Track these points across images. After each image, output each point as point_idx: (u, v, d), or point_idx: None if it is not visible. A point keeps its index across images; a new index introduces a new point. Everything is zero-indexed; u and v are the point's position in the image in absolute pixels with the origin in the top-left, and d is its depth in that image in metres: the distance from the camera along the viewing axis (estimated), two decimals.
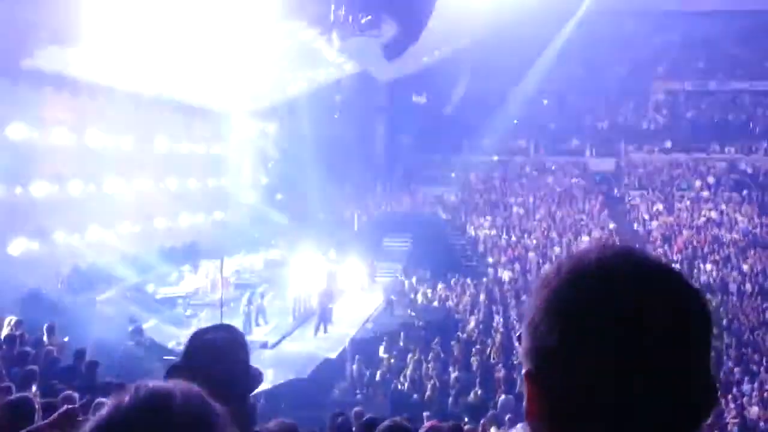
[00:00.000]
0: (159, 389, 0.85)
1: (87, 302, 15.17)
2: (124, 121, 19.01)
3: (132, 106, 19.26)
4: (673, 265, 0.90)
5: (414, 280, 23.66)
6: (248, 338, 12.40)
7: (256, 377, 1.87)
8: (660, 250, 26.32)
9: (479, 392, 14.40)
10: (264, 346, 17.07)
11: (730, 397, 14.34)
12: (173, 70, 17.77)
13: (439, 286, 23.24)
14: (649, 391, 0.76)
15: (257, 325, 18.17)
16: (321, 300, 18.33)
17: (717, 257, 25.50)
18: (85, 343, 10.94)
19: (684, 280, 0.83)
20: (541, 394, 0.80)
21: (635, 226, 28.82)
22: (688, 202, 29.62)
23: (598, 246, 0.85)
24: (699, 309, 0.81)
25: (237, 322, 17.66)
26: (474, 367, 15.90)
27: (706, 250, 26.12)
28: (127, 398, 0.83)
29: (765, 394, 14.50)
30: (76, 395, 5.96)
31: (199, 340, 1.81)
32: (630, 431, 0.77)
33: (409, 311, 20.90)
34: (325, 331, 17.87)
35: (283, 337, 17.94)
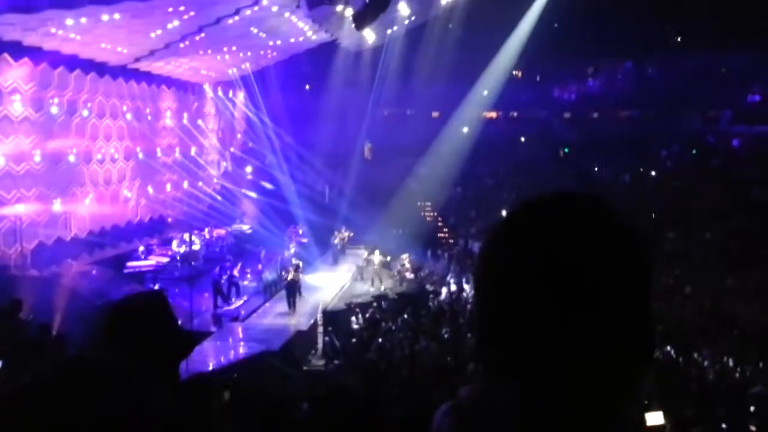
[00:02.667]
0: (72, 361, 0.84)
1: (52, 277, 14.89)
2: (88, 90, 18.49)
3: (96, 75, 18.73)
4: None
5: (386, 251, 23.76)
6: (220, 311, 12.43)
7: (186, 340, 1.87)
8: None
9: (449, 360, 14.65)
10: (236, 318, 17.06)
11: (691, 361, 14.84)
12: (139, 41, 17.30)
13: (411, 257, 23.39)
14: (583, 328, 0.77)
15: (229, 298, 18.11)
16: (290, 274, 18.29)
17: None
18: (52, 319, 10.79)
19: (622, 223, 0.84)
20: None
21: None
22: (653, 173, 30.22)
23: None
24: (634, 255, 0.82)
25: (208, 296, 17.62)
26: (444, 337, 16.11)
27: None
28: (45, 371, 0.82)
29: (725, 358, 15.03)
30: None
31: (118, 309, 1.79)
32: (563, 371, 0.77)
33: (380, 282, 21.04)
34: (294, 306, 17.83)
35: (254, 310, 17.92)
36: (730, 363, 14.69)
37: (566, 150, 33.02)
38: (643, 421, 8.56)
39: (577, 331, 0.77)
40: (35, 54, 15.75)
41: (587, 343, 0.77)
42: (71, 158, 17.89)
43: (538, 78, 37.11)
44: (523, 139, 33.82)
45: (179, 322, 1.90)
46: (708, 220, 26.48)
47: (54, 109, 17.15)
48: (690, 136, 32.49)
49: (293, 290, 18.01)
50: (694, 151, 31.62)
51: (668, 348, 15.41)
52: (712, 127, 33.14)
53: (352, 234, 25.04)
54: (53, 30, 14.53)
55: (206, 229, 22.94)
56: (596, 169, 31.33)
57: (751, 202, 27.83)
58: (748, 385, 13.55)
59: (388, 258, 23.25)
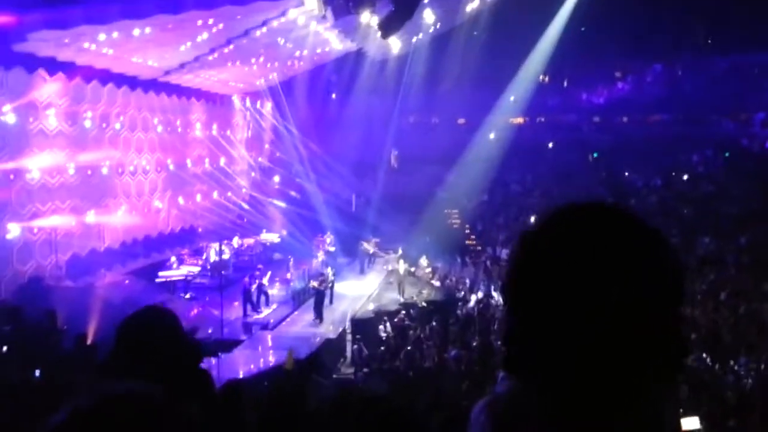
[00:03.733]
0: (111, 396, 0.85)
1: (87, 287, 15.19)
2: (120, 103, 18.90)
3: (128, 89, 19.14)
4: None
5: (413, 259, 23.71)
6: (250, 320, 12.55)
7: (194, 350, 1.90)
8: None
9: (478, 368, 14.53)
10: (265, 327, 17.18)
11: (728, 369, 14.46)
12: (169, 54, 17.64)
13: (439, 264, 23.31)
14: (613, 334, 0.78)
15: (258, 306, 18.26)
16: (319, 282, 18.35)
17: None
18: (86, 329, 11.00)
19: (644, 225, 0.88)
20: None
21: (632, 201, 28.81)
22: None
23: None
24: (669, 263, 0.85)
25: (238, 305, 17.80)
26: (473, 345, 15.99)
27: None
28: (82, 405, 0.84)
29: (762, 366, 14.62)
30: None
31: (126, 327, 1.83)
32: (594, 377, 0.79)
33: (409, 290, 20.98)
34: (320, 316, 17.81)
35: (283, 319, 18.03)
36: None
37: (595, 155, 32.58)
38: (679, 426, 8.40)
39: (607, 338, 0.78)
40: (69, 69, 16.16)
41: (615, 350, 0.79)
42: (104, 170, 18.28)
43: (565, 83, 36.77)
44: (551, 144, 33.49)
45: (197, 333, 1.94)
46: (742, 224, 25.85)
47: (87, 123, 17.56)
48: (722, 139, 31.79)
49: (321, 299, 18.03)
50: (727, 154, 30.93)
51: (704, 355, 15.05)
52: (745, 130, 32.39)
53: (378, 241, 25.04)
54: (86, 45, 14.90)
55: (235, 239, 23.20)
56: (626, 173, 30.84)
57: None
58: None
59: (413, 268, 23.21)
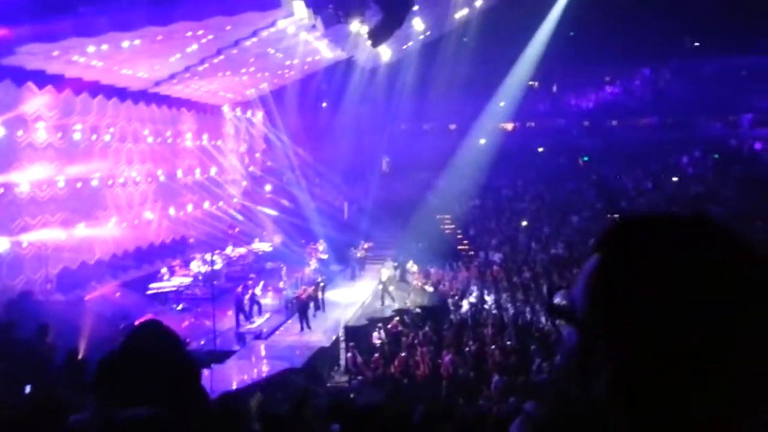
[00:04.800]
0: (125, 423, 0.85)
1: (77, 301, 15.10)
2: (110, 115, 18.85)
3: (118, 100, 19.10)
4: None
5: (406, 265, 23.73)
6: (243, 330, 12.46)
7: (191, 364, 1.88)
8: None
9: (473, 373, 14.53)
10: (258, 336, 17.12)
11: None
12: (159, 65, 17.63)
13: (432, 270, 23.33)
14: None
15: (251, 316, 18.20)
16: (308, 293, 18.30)
17: None
18: (77, 343, 10.92)
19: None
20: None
21: (622, 204, 28.97)
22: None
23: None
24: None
25: (231, 315, 17.73)
26: (467, 350, 15.99)
27: None
28: None
29: None
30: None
31: (124, 347, 1.82)
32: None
33: (401, 296, 20.98)
34: (307, 326, 17.68)
35: (277, 328, 17.97)
36: None
37: (585, 159, 32.77)
38: None
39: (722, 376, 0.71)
40: (58, 81, 16.12)
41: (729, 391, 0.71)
42: (94, 182, 18.21)
43: (554, 88, 37.00)
44: (541, 149, 33.66)
45: (189, 345, 1.93)
46: (732, 224, 25.99)
47: (77, 135, 17.50)
48: (711, 141, 32.07)
49: (304, 310, 17.91)
50: (715, 156, 31.19)
51: None
52: (733, 131, 32.69)
53: (370, 245, 25.02)
54: (75, 57, 14.87)
55: (228, 248, 23.14)
56: (617, 177, 31.04)
57: None
58: None
59: (409, 270, 23.19)
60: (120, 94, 19.10)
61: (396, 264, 23.03)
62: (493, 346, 16.01)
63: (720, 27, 31.44)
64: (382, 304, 20.36)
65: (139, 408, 0.87)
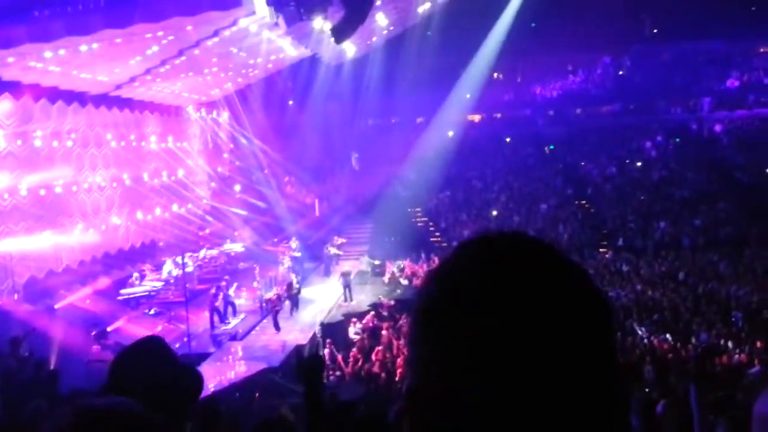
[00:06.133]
0: (96, 408, 0.87)
1: (46, 311, 14.82)
2: (71, 120, 18.47)
3: (78, 105, 18.72)
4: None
5: (379, 260, 23.83)
6: (218, 332, 12.36)
7: (192, 382, 1.85)
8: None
9: None
10: (234, 338, 17.03)
11: (690, 347, 14.93)
12: (119, 68, 17.33)
13: (405, 263, 23.45)
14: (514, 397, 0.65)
15: (225, 317, 18.08)
16: (280, 294, 18.26)
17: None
18: (48, 353, 10.73)
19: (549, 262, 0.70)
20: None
21: (589, 190, 29.48)
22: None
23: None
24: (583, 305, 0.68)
25: (205, 317, 17.59)
26: None
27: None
28: (66, 420, 0.86)
29: (722, 341, 15.14)
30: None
31: (121, 361, 1.79)
32: None
33: (374, 291, 21.06)
34: (278, 328, 17.51)
35: (252, 328, 17.90)
36: (729, 345, 14.81)
37: (551, 147, 33.23)
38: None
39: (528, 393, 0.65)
40: (15, 88, 15.74)
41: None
42: (58, 189, 17.84)
43: (519, 78, 37.41)
44: (508, 139, 34.02)
45: (179, 358, 1.90)
46: (695, 207, 26.72)
47: (38, 142, 17.11)
48: (672, 126, 32.81)
49: (276, 312, 17.70)
50: (677, 140, 31.93)
51: (667, 335, 15.52)
52: (694, 116, 33.48)
53: (344, 242, 25.04)
54: (32, 63, 14.54)
55: (203, 251, 22.94)
56: (582, 164, 31.55)
57: (736, 186, 28.13)
58: (747, 365, 13.68)
59: (383, 264, 23.31)
60: (80, 98, 18.72)
61: (375, 260, 23.20)
62: None
63: (677, 14, 32.15)
64: (345, 300, 20.29)
65: (113, 399, 0.90)
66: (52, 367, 10.64)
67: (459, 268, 0.71)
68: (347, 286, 20.51)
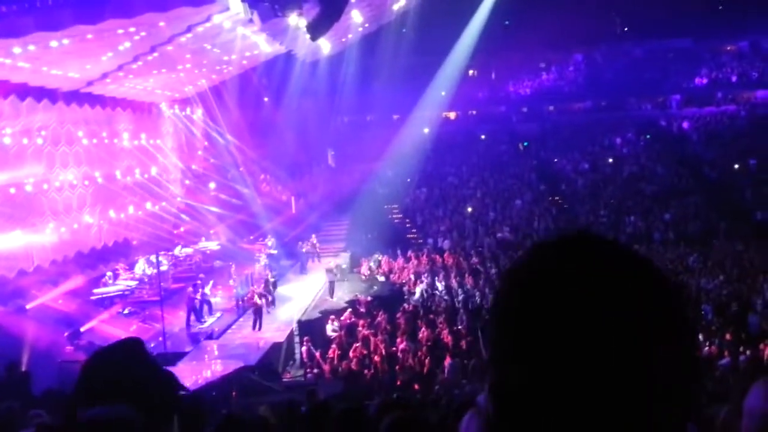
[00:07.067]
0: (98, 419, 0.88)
1: (17, 311, 14.56)
2: (41, 117, 18.12)
3: (49, 102, 18.37)
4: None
5: (356, 257, 23.86)
6: (194, 330, 12.24)
7: (168, 382, 1.80)
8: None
9: (427, 359, 14.81)
10: (210, 336, 16.92)
11: None
12: (91, 65, 17.05)
13: (383, 259, 23.52)
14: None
15: (202, 316, 17.95)
16: (261, 293, 18.20)
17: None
18: (20, 354, 10.57)
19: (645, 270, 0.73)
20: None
21: (562, 186, 29.87)
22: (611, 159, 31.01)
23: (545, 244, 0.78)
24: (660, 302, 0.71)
25: (180, 316, 17.44)
26: (420, 336, 16.26)
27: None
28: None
29: None
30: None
31: (93, 365, 1.73)
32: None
33: (351, 288, 21.09)
34: (260, 327, 17.41)
35: (228, 326, 17.80)
36: (699, 338, 15.18)
37: (525, 143, 33.59)
38: None
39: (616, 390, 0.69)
40: None
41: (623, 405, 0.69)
42: (28, 188, 17.51)
43: (493, 75, 37.70)
44: (483, 136, 34.28)
45: (156, 361, 1.86)
46: (665, 202, 27.26)
47: (7, 140, 16.77)
48: (642, 122, 33.43)
49: (260, 311, 17.71)
50: (647, 136, 32.52)
51: None
52: (663, 112, 34.14)
53: (316, 243, 24.97)
54: (0, 59, 14.24)
55: (177, 248, 22.71)
56: (555, 160, 31.95)
57: (705, 181, 28.79)
58: (717, 357, 14.06)
59: (360, 261, 23.35)
60: (50, 95, 18.37)
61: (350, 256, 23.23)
62: (445, 331, 16.35)
63: (647, 11, 32.68)
64: (331, 296, 20.40)
65: (108, 407, 0.91)
66: (24, 368, 10.47)
67: (540, 270, 0.74)
68: (332, 282, 20.54)
